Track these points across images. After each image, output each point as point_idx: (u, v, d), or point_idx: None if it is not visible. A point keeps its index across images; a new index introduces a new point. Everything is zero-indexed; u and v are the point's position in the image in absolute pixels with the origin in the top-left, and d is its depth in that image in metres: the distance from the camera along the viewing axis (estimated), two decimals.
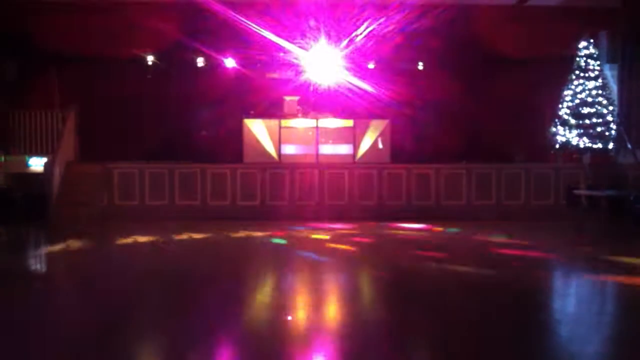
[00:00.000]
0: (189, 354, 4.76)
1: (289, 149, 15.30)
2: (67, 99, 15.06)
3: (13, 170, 14.65)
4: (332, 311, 6.29)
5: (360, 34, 15.74)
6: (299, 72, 16.87)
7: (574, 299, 7.05)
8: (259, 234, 11.59)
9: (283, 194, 14.35)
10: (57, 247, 9.86)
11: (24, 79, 15.26)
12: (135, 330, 5.50)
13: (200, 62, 16.37)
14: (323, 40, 15.87)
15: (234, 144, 15.28)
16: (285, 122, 15.44)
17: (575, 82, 15.10)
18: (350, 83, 16.29)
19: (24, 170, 14.67)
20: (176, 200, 14.16)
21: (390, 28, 15.62)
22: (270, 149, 15.25)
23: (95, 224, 12.73)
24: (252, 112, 15.63)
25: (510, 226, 12.60)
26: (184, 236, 11.08)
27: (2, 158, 14.66)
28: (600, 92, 14.95)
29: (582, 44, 15.18)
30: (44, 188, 13.23)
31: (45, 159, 13.82)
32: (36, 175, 14.08)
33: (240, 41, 15.88)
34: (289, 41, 15.89)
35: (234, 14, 15.26)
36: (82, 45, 15.60)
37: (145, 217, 13.58)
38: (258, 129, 15.36)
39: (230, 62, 16.49)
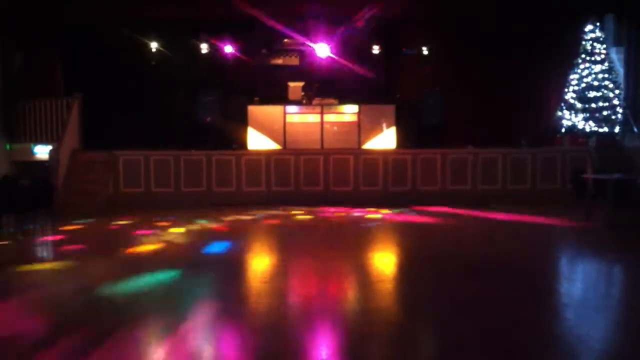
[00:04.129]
0: None
1: (293, 135, 15.26)
2: (72, 87, 15.03)
3: (18, 159, 14.69)
4: None
5: (364, 17, 15.70)
6: (303, 58, 16.85)
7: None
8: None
9: (288, 180, 14.34)
10: None
11: (29, 67, 15.25)
12: None
13: (204, 48, 16.31)
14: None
15: (239, 130, 15.25)
16: (289, 108, 15.40)
17: (582, 66, 15.04)
18: (356, 68, 16.26)
19: (30, 158, 14.70)
20: (182, 187, 14.18)
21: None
22: (275, 135, 15.22)
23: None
24: (256, 98, 15.61)
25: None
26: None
27: (8, 146, 14.68)
28: (606, 75, 14.90)
29: (589, 27, 15.09)
30: (50, 176, 13.22)
31: (50, 147, 13.82)
32: (42, 163, 14.10)
33: (245, 27, 15.88)
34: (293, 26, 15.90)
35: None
36: (87, 32, 15.59)
37: (151, 204, 13.61)
38: (262, 115, 15.32)
39: (234, 49, 16.44)
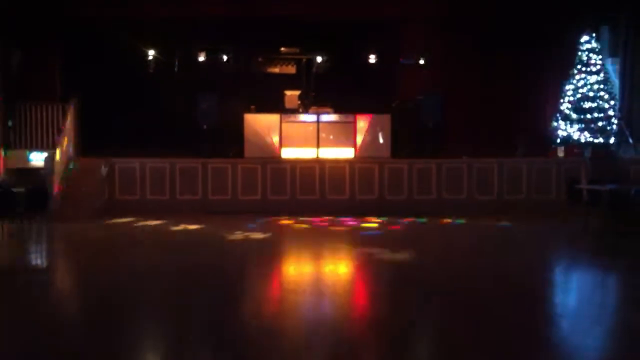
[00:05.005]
0: None
1: (289, 144, 15.24)
2: (70, 88, 15.02)
3: (14, 165, 14.64)
4: None
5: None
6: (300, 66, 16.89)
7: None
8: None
9: (284, 189, 14.33)
10: None
11: (26, 72, 15.24)
12: None
13: (202, 55, 16.32)
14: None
15: (235, 138, 15.24)
16: (286, 117, 15.40)
17: (577, 77, 15.10)
18: (352, 77, 16.30)
19: (25, 165, 14.65)
20: (177, 195, 14.16)
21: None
22: (271, 143, 15.21)
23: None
24: (252, 106, 15.61)
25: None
26: None
27: (3, 152, 14.64)
28: (601, 86, 14.95)
29: (584, 38, 15.16)
30: (45, 183, 13.18)
31: (46, 154, 13.79)
32: (37, 170, 14.06)
33: (243, 35, 15.94)
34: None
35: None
36: (86, 34, 15.58)
37: (146, 211, 13.56)
38: (259, 123, 15.32)
39: (232, 56, 16.46)
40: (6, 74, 14.75)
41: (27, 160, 14.71)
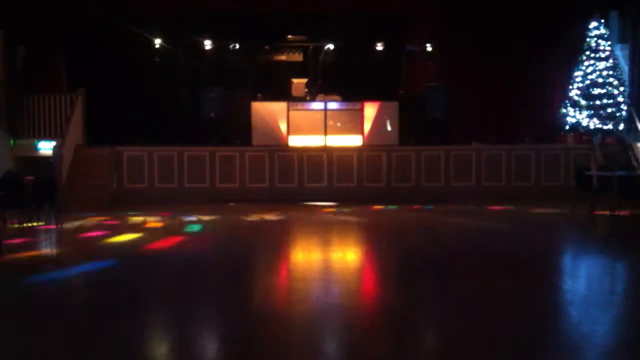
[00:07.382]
0: None
1: (297, 132, 15.22)
2: (75, 82, 15.04)
3: (22, 154, 14.69)
4: None
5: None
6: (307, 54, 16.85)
7: None
8: None
9: (292, 177, 14.33)
10: None
11: (32, 62, 15.24)
12: None
13: (208, 44, 16.29)
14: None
15: (243, 126, 15.23)
16: (293, 105, 15.36)
17: (586, 63, 15.01)
18: (359, 65, 16.25)
19: (33, 154, 14.71)
20: (185, 183, 14.18)
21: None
22: (279, 131, 15.19)
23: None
24: (259, 95, 15.58)
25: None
26: None
27: (12, 142, 14.69)
28: (610, 72, 14.86)
29: (593, 24, 15.05)
30: (53, 172, 13.21)
31: (54, 143, 13.83)
32: (45, 159, 14.10)
33: (249, 23, 15.89)
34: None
35: None
36: (90, 27, 15.57)
37: (154, 200, 13.61)
38: (266, 111, 15.30)
39: (238, 45, 16.42)
40: (11, 68, 14.76)
41: (36, 149, 14.76)
